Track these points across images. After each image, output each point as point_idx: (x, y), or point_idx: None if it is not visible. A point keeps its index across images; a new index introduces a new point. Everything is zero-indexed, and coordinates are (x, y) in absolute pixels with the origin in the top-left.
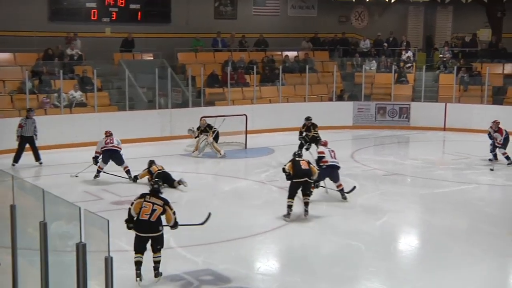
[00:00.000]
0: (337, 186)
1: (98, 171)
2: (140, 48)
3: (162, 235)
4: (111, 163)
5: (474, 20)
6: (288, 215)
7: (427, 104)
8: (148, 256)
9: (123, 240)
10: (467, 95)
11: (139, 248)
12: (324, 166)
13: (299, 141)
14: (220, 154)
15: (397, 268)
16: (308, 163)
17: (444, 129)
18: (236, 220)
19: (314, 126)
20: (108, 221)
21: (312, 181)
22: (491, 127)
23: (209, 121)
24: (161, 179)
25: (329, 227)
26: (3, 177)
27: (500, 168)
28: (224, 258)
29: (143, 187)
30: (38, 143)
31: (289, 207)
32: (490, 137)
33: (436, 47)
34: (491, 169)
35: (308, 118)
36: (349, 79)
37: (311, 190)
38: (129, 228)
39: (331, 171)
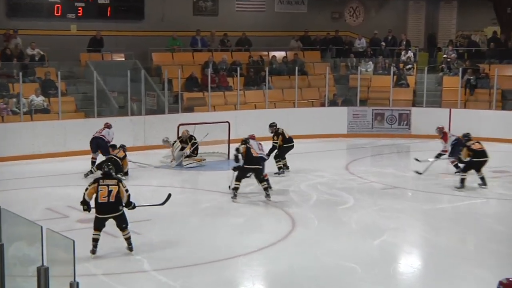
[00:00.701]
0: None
1: (92, 163)
2: (110, 48)
3: (123, 213)
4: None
5: (481, 17)
6: (234, 196)
7: (429, 109)
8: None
9: (91, 262)
10: (474, 99)
11: (98, 226)
12: None
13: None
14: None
15: None
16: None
17: None
18: (217, 240)
19: (277, 134)
20: (73, 241)
21: (262, 167)
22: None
23: (188, 128)
24: (112, 164)
25: (320, 246)
26: None
27: (510, 180)
28: (205, 282)
29: None
30: None
31: (236, 189)
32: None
33: (440, 47)
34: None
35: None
36: (343, 82)
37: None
38: (84, 209)
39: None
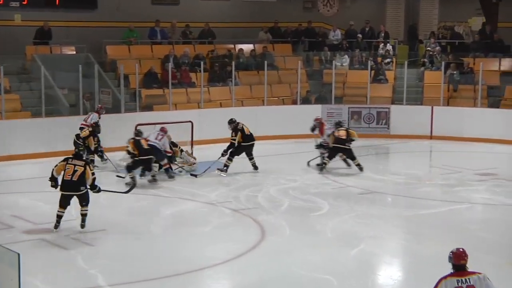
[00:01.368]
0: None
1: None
2: (59, 40)
3: (85, 193)
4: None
5: (465, 7)
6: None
7: (410, 107)
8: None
9: (39, 277)
10: (458, 96)
11: (63, 203)
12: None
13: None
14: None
15: None
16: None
17: (431, 137)
18: (180, 251)
19: (236, 130)
20: (19, 255)
21: (151, 157)
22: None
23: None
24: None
25: (293, 257)
26: None
27: (498, 184)
28: None
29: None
30: None
31: (132, 178)
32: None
33: (421, 39)
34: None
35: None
36: (317, 77)
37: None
38: (52, 186)
39: (152, 152)
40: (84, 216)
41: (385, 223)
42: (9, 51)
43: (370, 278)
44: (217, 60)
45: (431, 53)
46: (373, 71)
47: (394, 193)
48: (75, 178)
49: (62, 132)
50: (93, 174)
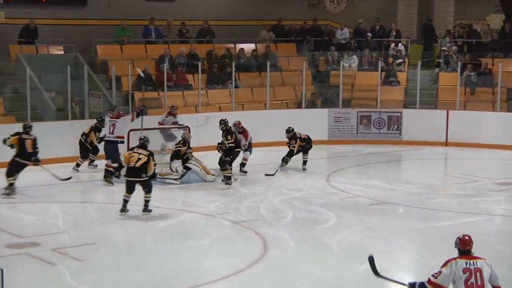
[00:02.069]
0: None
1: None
2: (46, 39)
3: (147, 180)
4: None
5: (483, 3)
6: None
7: (423, 111)
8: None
9: None
10: (475, 99)
11: (129, 189)
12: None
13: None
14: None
15: None
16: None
17: (446, 144)
18: (175, 266)
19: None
20: (2, 270)
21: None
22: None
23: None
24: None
25: (297, 272)
26: None
27: None
28: None
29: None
30: None
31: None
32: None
33: (436, 38)
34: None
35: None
36: (323, 79)
37: None
38: (116, 176)
39: (105, 147)
40: (147, 202)
41: (396, 236)
42: None
43: None
44: (216, 61)
45: (446, 53)
46: (383, 73)
47: (406, 204)
48: (138, 165)
49: (49, 138)
50: (155, 165)
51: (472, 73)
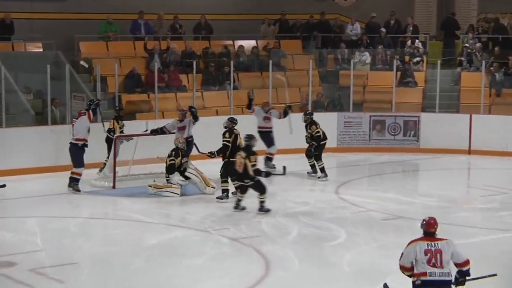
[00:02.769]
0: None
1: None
2: (23, 35)
3: (256, 182)
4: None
5: None
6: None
7: (444, 115)
8: None
9: None
10: (501, 102)
11: (242, 191)
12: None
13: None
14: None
15: None
16: None
17: (469, 152)
18: None
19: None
20: None
21: None
22: None
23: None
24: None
25: None
26: None
27: None
28: None
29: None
30: None
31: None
32: None
33: (457, 34)
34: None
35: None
36: (332, 79)
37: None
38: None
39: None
40: (262, 203)
41: None
42: None
43: None
44: (212, 59)
45: (469, 50)
46: (399, 73)
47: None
48: (240, 170)
49: (26, 145)
50: (253, 165)
51: (498, 73)
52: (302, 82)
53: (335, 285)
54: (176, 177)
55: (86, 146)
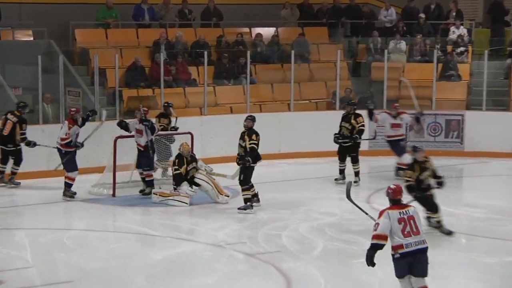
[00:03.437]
0: None
1: None
2: (12, 22)
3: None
4: None
5: None
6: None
7: (491, 114)
8: None
9: None
10: None
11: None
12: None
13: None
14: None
15: None
16: None
17: None
18: None
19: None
20: None
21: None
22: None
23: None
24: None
25: None
26: None
27: None
28: None
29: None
30: None
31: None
32: None
33: (507, 20)
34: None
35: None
36: (363, 72)
37: None
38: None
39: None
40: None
41: (456, 273)
42: None
43: None
44: (226, 49)
45: None
46: (440, 65)
47: (469, 232)
48: None
49: None
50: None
51: None
52: (328, 75)
53: None
54: (185, 187)
55: (78, 146)
